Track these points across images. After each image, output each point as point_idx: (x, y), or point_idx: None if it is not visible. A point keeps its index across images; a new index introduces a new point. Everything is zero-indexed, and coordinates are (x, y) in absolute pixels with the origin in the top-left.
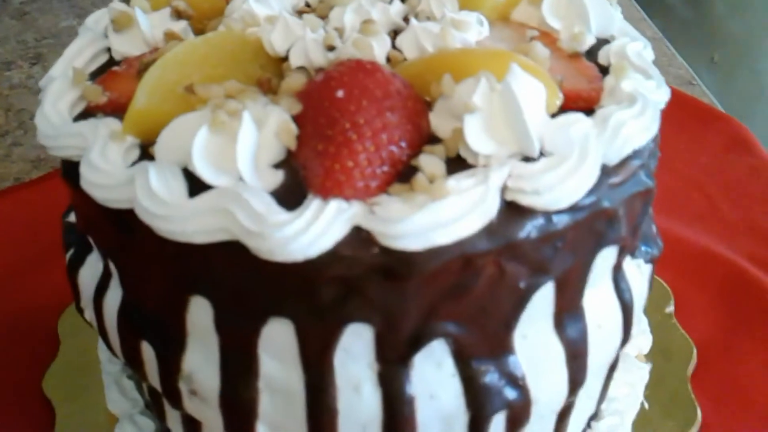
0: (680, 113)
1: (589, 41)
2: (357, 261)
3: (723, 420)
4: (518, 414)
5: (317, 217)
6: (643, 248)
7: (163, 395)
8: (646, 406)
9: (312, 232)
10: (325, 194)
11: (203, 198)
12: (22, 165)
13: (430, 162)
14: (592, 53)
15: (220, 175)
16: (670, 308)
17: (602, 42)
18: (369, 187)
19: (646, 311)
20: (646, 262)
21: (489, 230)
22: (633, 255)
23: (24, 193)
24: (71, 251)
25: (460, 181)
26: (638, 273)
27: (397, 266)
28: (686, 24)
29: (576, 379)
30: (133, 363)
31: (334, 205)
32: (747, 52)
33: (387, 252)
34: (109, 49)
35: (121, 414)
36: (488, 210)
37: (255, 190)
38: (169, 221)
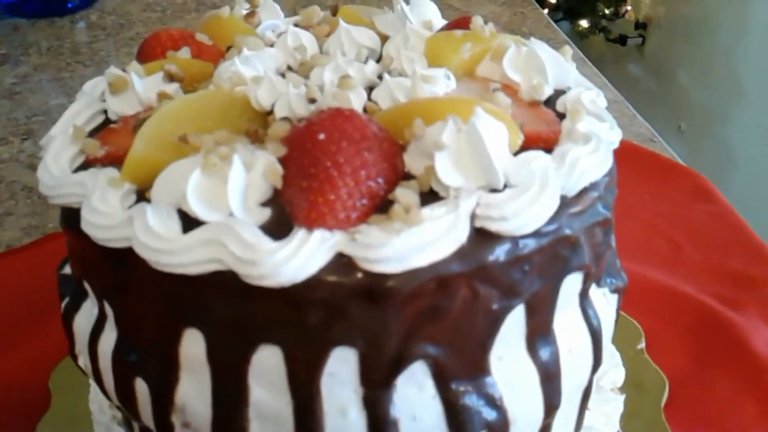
0: (643, 167)
1: (547, 92)
2: (340, 285)
3: None
4: None
5: (303, 244)
6: (608, 279)
7: (156, 431)
8: None
9: (299, 258)
10: (310, 225)
11: (197, 232)
12: (13, 233)
13: (405, 194)
14: (550, 102)
15: (212, 213)
16: (642, 345)
17: (559, 93)
18: (350, 218)
19: (619, 348)
20: (612, 292)
21: (461, 254)
22: (598, 284)
23: (15, 258)
24: (66, 300)
25: (433, 210)
26: (605, 301)
27: (378, 288)
28: (652, 94)
29: (551, 401)
30: (127, 402)
31: (318, 234)
32: (713, 120)
33: (368, 275)
34: (105, 112)
35: None
36: (459, 235)
37: (245, 223)
38: (165, 254)
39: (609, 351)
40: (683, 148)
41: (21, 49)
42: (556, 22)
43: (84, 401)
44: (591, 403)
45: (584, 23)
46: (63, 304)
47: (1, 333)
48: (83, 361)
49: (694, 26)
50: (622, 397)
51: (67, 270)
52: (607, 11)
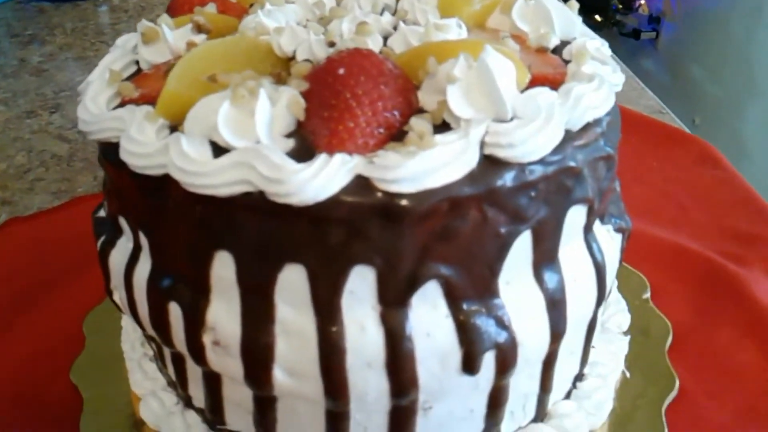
0: (652, 135)
1: (554, 41)
2: (359, 204)
3: (698, 386)
4: (506, 355)
5: (325, 166)
6: (612, 219)
7: (188, 352)
8: (628, 374)
9: (321, 178)
10: (331, 150)
11: (228, 156)
12: (44, 196)
13: (419, 123)
14: (556, 52)
15: (241, 141)
16: (647, 295)
17: (566, 43)
18: (368, 144)
19: (625, 297)
20: (615, 230)
21: (471, 177)
22: (602, 221)
23: (46, 219)
24: (102, 238)
25: (444, 137)
26: (609, 237)
27: (394, 207)
28: (666, 89)
29: (557, 327)
30: (160, 328)
31: (339, 157)
32: (727, 113)
33: (385, 195)
34: (136, 62)
35: (145, 392)
36: (469, 159)
37: (272, 148)
38: (198, 176)
39: (615, 297)
40: None
41: (47, 30)
42: None
43: (116, 342)
44: (597, 342)
45: (597, 17)
46: (99, 243)
47: (36, 287)
48: (118, 295)
49: (708, 20)
50: (627, 338)
51: (101, 214)
52: (620, 5)
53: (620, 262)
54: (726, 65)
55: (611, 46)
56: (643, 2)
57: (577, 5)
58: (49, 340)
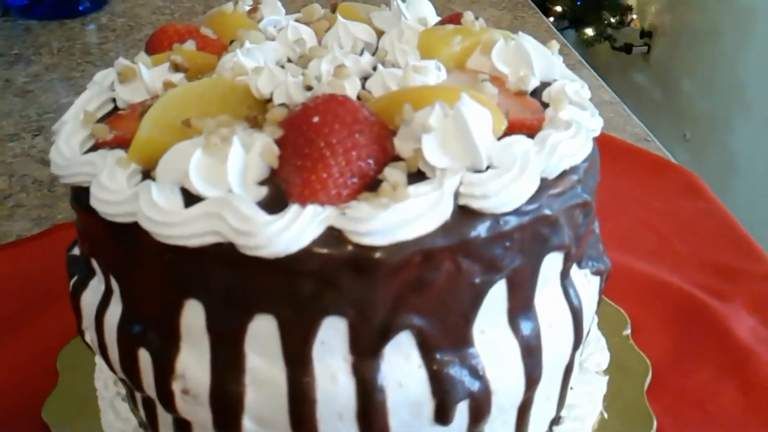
0: (636, 164)
1: (534, 83)
2: (331, 256)
3: (676, 427)
4: (480, 404)
5: (296, 218)
6: (590, 262)
7: (158, 399)
8: (605, 415)
9: (292, 230)
10: (303, 201)
11: (198, 206)
12: (23, 223)
13: (393, 173)
14: (536, 93)
15: (212, 190)
16: (627, 331)
17: (545, 85)
18: (341, 194)
19: (605, 333)
20: (593, 274)
21: (444, 229)
22: (580, 265)
23: (25, 247)
24: (75, 278)
25: (418, 188)
26: (586, 282)
27: (365, 260)
28: (657, 104)
29: (532, 375)
30: (130, 373)
31: (311, 208)
32: (717, 128)
33: (356, 247)
34: (113, 100)
35: None
36: (443, 211)
37: (243, 198)
38: (168, 227)
39: (594, 335)
40: (688, 156)
41: (33, 50)
42: (561, 30)
43: (90, 380)
44: (575, 383)
45: (590, 32)
46: (71, 282)
47: (12, 317)
48: (90, 336)
49: (699, 35)
50: (605, 378)
51: (76, 251)
52: (612, 20)
53: (598, 304)
54: (717, 79)
55: (603, 60)
56: (635, 17)
57: (557, 45)
58: (22, 374)
